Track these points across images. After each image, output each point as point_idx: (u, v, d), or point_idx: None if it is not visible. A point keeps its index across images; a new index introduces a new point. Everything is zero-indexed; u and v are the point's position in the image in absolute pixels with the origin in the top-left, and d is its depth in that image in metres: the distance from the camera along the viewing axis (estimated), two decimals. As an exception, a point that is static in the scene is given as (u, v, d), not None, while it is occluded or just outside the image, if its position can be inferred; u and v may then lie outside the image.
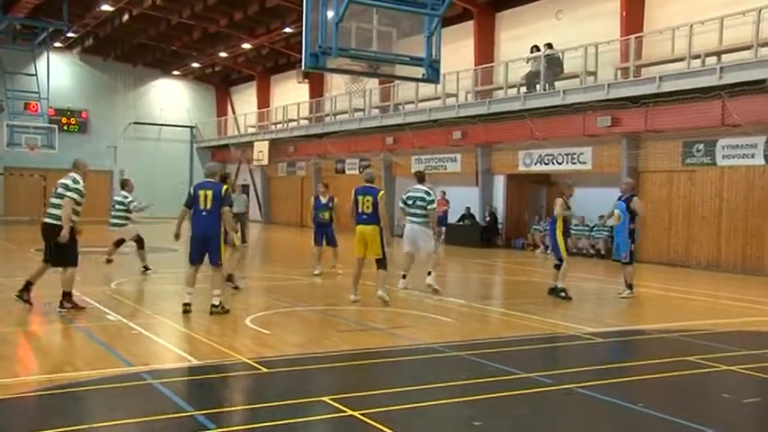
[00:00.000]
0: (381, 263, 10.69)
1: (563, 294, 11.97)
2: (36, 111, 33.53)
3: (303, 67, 8.78)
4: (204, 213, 9.28)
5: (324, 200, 14.87)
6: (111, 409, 5.54)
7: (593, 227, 21.49)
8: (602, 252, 20.75)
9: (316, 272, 14.38)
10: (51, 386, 5.92)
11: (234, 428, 5.02)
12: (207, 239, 9.33)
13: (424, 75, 9.31)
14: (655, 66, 18.99)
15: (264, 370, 6.63)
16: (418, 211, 12.09)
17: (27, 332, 8.37)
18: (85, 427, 4.99)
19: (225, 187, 9.55)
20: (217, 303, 9.34)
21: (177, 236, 9.76)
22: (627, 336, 9.19)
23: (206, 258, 9.44)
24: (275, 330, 8.66)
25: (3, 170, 36.54)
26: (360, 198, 10.69)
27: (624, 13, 20.28)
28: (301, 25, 8.89)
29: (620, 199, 12.43)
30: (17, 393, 5.70)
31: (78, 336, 7.93)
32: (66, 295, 9.30)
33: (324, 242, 14.69)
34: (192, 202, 9.38)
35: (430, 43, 9.14)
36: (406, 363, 7.33)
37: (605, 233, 21.07)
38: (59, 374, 6.29)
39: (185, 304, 9.32)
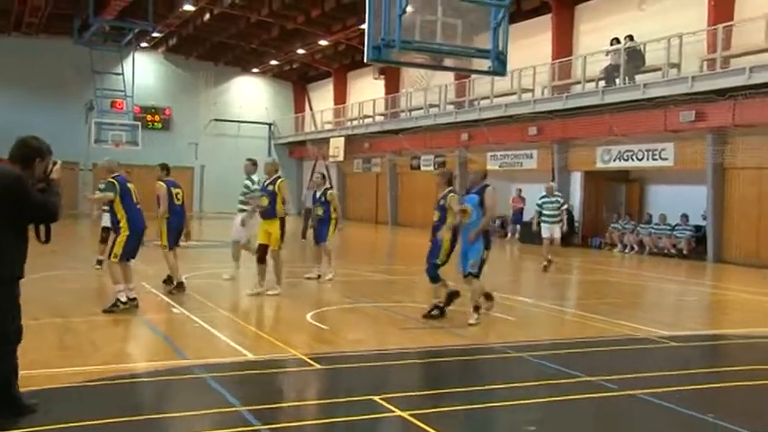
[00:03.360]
0: None
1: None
2: (122, 108, 34.71)
3: (366, 60, 8.64)
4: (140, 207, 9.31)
5: (319, 193, 13.04)
6: (160, 402, 5.55)
7: (675, 226, 20.64)
8: (685, 252, 19.90)
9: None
10: (106, 377, 5.98)
11: (279, 425, 4.95)
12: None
13: (490, 67, 9.02)
14: (744, 56, 18.01)
15: (318, 366, 6.55)
16: None
17: (94, 322, 8.52)
18: (130, 419, 5.00)
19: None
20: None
21: None
22: (704, 340, 8.69)
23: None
24: (335, 326, 8.60)
25: (91, 166, 37.95)
26: None
27: (712, 2, 19.33)
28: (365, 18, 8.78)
29: (469, 191, 9.28)
30: (73, 383, 5.78)
31: (141, 328, 8.06)
32: None
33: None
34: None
35: (496, 34, 8.82)
36: (464, 363, 7.12)
37: (688, 232, 20.23)
38: (116, 365, 6.37)
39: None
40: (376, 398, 5.50)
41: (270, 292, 10.44)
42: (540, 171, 25.21)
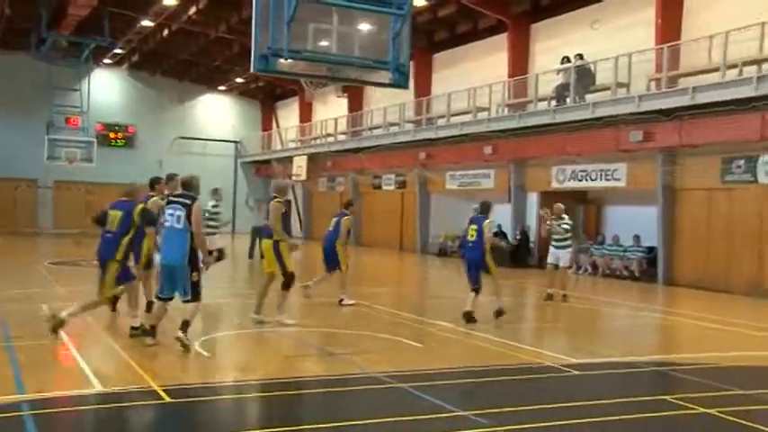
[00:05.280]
0: None
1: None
2: (76, 125, 34.07)
3: (252, 70, 8.20)
4: (109, 236, 8.50)
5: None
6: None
7: (628, 247, 20.25)
8: (636, 274, 19.48)
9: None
10: None
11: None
12: (104, 263, 8.43)
13: (390, 79, 8.58)
14: (691, 76, 17.76)
15: (167, 400, 6.01)
16: None
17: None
18: None
19: (140, 206, 8.67)
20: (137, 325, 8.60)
21: None
22: (609, 368, 8.19)
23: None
24: (219, 353, 8.07)
25: (52, 184, 37.31)
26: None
27: (660, 21, 19.12)
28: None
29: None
30: None
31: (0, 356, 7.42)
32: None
33: None
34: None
35: (396, 45, 8.40)
36: (332, 395, 6.60)
37: (639, 254, 19.84)
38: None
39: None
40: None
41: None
42: (498, 191, 24.80)
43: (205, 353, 7.93)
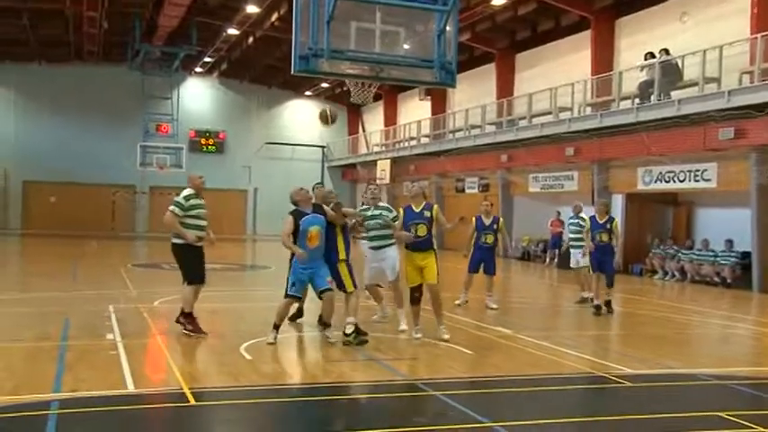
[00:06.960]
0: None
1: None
2: (167, 132, 35.31)
3: (292, 71, 8.14)
4: None
5: (487, 221, 13.04)
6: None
7: (719, 252, 19.10)
8: (729, 280, 18.33)
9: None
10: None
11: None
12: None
13: (435, 78, 8.34)
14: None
15: (192, 402, 6.00)
16: None
17: (8, 350, 8.13)
18: None
19: None
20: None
21: None
22: (666, 380, 7.60)
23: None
24: (261, 357, 8.00)
25: (147, 189, 38.83)
26: None
27: (756, 10, 17.95)
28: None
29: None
30: None
31: (48, 356, 7.62)
32: (185, 314, 8.95)
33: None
34: None
35: (441, 42, 8.15)
36: (359, 402, 6.44)
37: (732, 259, 18.67)
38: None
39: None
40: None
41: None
42: (581, 193, 23.97)
43: (248, 356, 7.90)
